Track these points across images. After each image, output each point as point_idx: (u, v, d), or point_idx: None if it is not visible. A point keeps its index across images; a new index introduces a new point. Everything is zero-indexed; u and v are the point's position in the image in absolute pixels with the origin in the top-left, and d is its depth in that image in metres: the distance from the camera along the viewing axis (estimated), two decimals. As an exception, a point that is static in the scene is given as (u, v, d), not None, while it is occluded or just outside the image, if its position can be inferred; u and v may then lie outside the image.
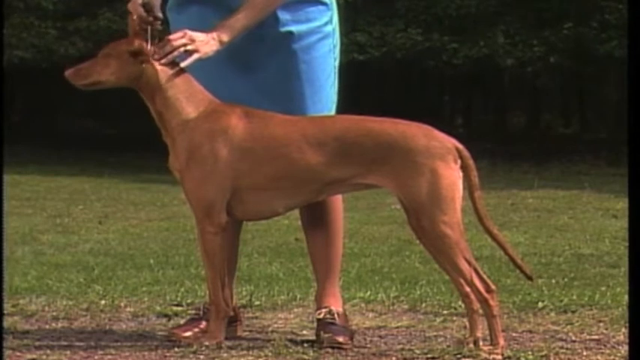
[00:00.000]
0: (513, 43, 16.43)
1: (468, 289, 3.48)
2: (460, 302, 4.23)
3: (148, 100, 3.60)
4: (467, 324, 3.65)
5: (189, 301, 4.53)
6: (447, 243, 3.43)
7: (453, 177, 3.44)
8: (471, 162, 3.49)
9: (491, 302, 3.45)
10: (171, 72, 3.55)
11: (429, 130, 3.50)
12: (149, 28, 3.53)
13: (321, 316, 3.73)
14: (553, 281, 5.15)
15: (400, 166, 3.44)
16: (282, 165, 3.50)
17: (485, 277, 3.49)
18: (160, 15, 3.55)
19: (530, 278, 3.69)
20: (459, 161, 3.46)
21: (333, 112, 3.77)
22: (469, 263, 3.44)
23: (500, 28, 16.45)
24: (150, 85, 3.55)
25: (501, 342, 3.46)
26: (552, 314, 4.27)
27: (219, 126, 3.52)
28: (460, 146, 3.49)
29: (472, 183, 3.50)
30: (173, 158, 3.58)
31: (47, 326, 4.04)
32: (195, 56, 3.53)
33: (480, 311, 3.49)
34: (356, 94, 19.19)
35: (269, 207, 3.59)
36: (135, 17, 3.54)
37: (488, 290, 3.46)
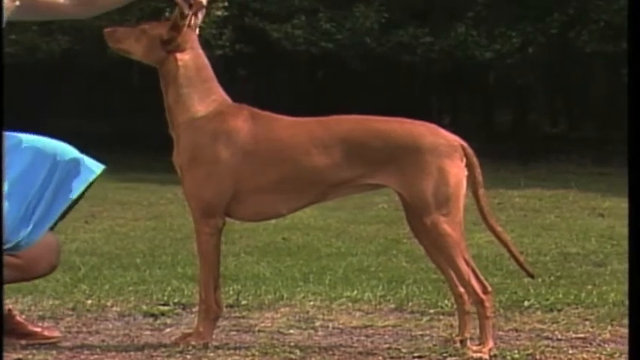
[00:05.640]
0: (491, 37, 16.43)
1: (461, 289, 3.49)
2: (447, 301, 4.24)
3: (163, 90, 3.61)
4: (453, 323, 3.66)
5: (176, 300, 4.53)
6: (448, 242, 3.43)
7: (459, 175, 3.45)
8: (475, 160, 3.50)
9: (487, 304, 3.45)
10: (193, 69, 3.56)
11: (435, 128, 3.52)
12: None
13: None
14: (539, 280, 5.15)
15: (408, 164, 3.44)
16: (288, 168, 3.49)
17: (482, 278, 3.49)
18: None
19: (531, 275, 3.72)
20: (464, 159, 3.48)
21: None
22: (467, 264, 3.45)
23: (475, 20, 16.45)
24: (168, 76, 3.57)
25: (490, 343, 3.46)
26: (538, 313, 4.28)
27: (223, 128, 3.51)
28: (465, 144, 3.50)
29: (476, 180, 3.51)
30: (176, 153, 3.58)
31: (33, 326, 4.03)
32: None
33: (471, 312, 3.49)
34: (339, 96, 19.21)
35: (272, 209, 3.59)
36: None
37: (485, 291, 3.46)
